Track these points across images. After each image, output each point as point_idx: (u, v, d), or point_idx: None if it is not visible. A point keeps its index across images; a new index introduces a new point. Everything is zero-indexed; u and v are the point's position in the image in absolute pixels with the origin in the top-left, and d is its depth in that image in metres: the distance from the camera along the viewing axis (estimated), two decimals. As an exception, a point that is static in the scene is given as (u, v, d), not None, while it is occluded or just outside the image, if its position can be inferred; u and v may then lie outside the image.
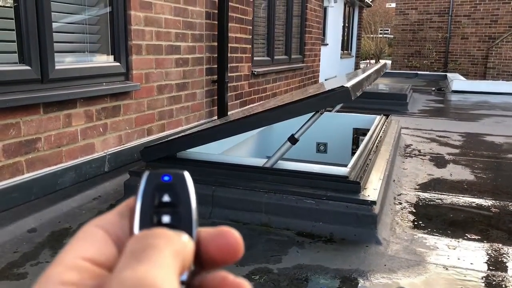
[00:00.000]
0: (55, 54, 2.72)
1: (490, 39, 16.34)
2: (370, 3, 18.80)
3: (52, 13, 2.70)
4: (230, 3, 4.87)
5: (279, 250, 2.27)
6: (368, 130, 4.01)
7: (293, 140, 2.76)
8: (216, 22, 4.55)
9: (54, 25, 2.76)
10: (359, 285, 1.94)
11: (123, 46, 3.31)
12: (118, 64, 3.28)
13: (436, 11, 17.14)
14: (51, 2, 2.68)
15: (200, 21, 4.30)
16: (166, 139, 2.98)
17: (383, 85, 9.79)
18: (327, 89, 2.53)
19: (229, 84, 5.00)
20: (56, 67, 2.72)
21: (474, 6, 16.44)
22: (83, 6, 3.04)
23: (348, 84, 2.47)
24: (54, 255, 2.15)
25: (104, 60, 3.23)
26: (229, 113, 4.91)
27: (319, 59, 9.71)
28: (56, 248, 2.23)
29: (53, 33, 2.71)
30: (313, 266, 2.10)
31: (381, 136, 3.84)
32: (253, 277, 1.99)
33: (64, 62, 2.87)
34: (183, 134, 2.97)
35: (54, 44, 2.73)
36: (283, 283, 1.94)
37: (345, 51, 15.05)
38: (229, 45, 4.92)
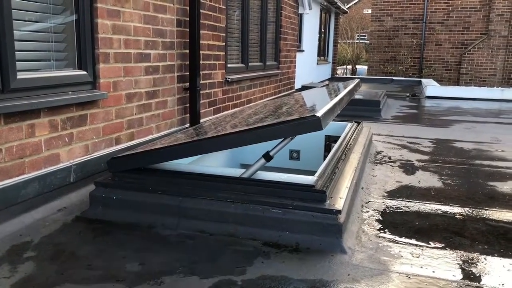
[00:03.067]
0: (17, 63, 2.67)
1: (463, 45, 16.72)
2: (346, 10, 19.01)
3: (15, 21, 2.65)
4: (202, 11, 4.86)
5: (245, 261, 2.25)
6: (339, 137, 4.04)
7: (267, 157, 2.78)
8: (188, 30, 4.53)
9: (17, 33, 2.70)
10: (322, 295, 1.94)
11: (89, 55, 3.26)
12: (84, 72, 3.23)
13: (410, 18, 17.47)
14: (13, 10, 2.62)
15: (171, 28, 4.28)
16: (134, 152, 2.94)
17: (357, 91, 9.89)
18: (299, 116, 2.53)
19: (202, 92, 4.99)
20: (18, 77, 2.67)
21: (447, 13, 16.81)
22: (48, 14, 2.99)
23: (320, 113, 2.49)
24: (12, 270, 2.10)
25: (70, 69, 3.17)
26: (201, 120, 4.89)
27: (295, 65, 9.77)
28: (15, 263, 2.17)
29: (16, 42, 2.66)
30: (277, 277, 2.10)
31: (350, 144, 3.87)
32: (216, 289, 1.97)
33: (27, 71, 2.81)
34: (151, 147, 2.93)
35: (17, 52, 2.67)
36: (246, 295, 1.93)
37: (321, 57, 15.17)
38: (202, 52, 4.91)
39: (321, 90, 5.03)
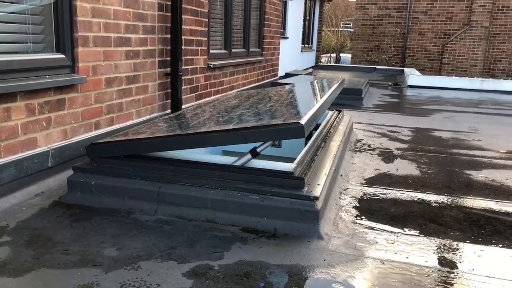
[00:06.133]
0: (-8, 45, 2.61)
1: (445, 35, 16.87)
2: (331, -3, 18.99)
3: (-11, 2, 2.58)
4: (184, -5, 4.80)
5: (222, 246, 2.27)
6: (320, 125, 4.06)
7: (254, 153, 2.77)
8: (169, 14, 4.48)
9: (-8, 14, 2.64)
10: (298, 280, 1.98)
11: (68, 38, 3.20)
12: (62, 56, 3.18)
13: (395, 7, 17.53)
14: (-12, -9, 2.56)
15: (152, 12, 4.22)
16: (114, 139, 2.91)
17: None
18: (283, 122, 2.55)
19: (183, 77, 4.95)
20: (-7, 59, 2.62)
21: (430, 3, 16.91)
22: (25, -5, 2.92)
23: (303, 120, 2.52)
24: (-12, 255, 2.08)
25: (48, 52, 3.12)
26: (183, 107, 4.86)
27: (279, 52, 9.75)
28: (-10, 248, 2.15)
29: (-9, 23, 2.60)
30: (254, 262, 2.12)
31: (330, 132, 3.90)
32: (193, 274, 1.98)
33: (3, 53, 2.75)
34: (133, 137, 2.90)
35: (-8, 34, 2.62)
36: (223, 280, 1.95)
37: (306, 45, 15.16)
38: (184, 37, 4.86)
39: (305, 85, 5.01)
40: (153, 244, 2.26)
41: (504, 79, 13.43)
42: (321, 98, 3.40)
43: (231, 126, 2.69)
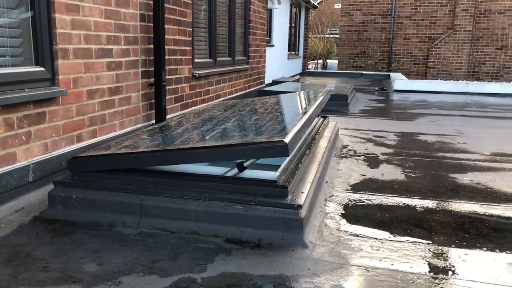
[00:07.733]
0: (-32, 59, 2.57)
1: (430, 39, 17.04)
2: (317, 5, 19.12)
3: (-36, 16, 2.54)
4: (167, 5, 4.79)
5: (206, 258, 2.24)
6: (305, 132, 4.05)
7: (241, 167, 2.74)
8: (152, 25, 4.46)
9: (-33, 28, 2.60)
10: (281, 291, 1.95)
11: (47, 51, 3.17)
12: (42, 69, 3.14)
13: (379, 13, 17.69)
14: (-38, 5, 2.52)
15: (134, 23, 4.20)
16: (96, 154, 2.87)
17: (327, 85, 9.98)
18: (267, 140, 2.54)
19: (168, 87, 4.92)
20: (-30, 74, 2.57)
21: (414, 8, 17.09)
22: (2, 9, 2.88)
23: (288, 138, 2.51)
24: (-35, 274, 2.03)
25: (27, 65, 3.08)
26: (168, 116, 4.83)
27: (265, 60, 9.76)
28: (-33, 267, 2.10)
29: (-34, 37, 2.56)
30: (237, 273, 2.09)
31: (315, 138, 3.90)
32: (175, 288, 1.95)
33: (-20, 67, 2.72)
34: (115, 151, 2.85)
35: (-33, 49, 2.58)
36: (205, 293, 1.92)
37: (292, 52, 15.22)
38: (167, 47, 4.84)
39: (291, 96, 4.99)
40: (135, 258, 2.22)
41: (489, 81, 13.59)
42: (306, 113, 3.39)
43: (215, 143, 2.67)
